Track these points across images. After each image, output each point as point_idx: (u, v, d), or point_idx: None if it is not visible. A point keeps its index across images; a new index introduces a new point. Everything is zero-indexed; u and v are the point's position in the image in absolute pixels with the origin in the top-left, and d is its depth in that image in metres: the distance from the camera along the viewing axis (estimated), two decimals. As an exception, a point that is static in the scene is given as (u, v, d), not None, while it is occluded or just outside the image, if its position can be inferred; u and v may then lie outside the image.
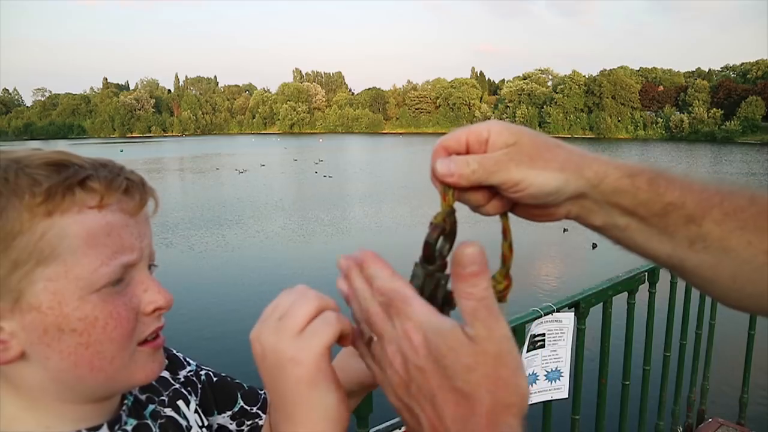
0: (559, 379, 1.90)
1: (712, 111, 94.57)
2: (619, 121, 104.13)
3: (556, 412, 2.02)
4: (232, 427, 0.84)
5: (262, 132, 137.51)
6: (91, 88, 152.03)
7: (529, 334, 1.85)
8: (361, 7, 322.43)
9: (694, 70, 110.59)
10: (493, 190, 0.55)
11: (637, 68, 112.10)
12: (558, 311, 1.89)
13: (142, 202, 0.60)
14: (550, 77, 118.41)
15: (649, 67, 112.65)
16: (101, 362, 0.56)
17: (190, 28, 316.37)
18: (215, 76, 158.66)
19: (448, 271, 0.49)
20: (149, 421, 0.68)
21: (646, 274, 2.36)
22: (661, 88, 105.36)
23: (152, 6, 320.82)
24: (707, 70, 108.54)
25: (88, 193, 0.55)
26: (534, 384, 1.90)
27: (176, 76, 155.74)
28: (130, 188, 0.59)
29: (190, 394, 0.79)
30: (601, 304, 2.16)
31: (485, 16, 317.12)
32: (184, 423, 0.74)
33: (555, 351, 1.87)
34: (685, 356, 2.86)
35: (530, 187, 0.53)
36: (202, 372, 0.84)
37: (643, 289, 2.36)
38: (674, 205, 0.54)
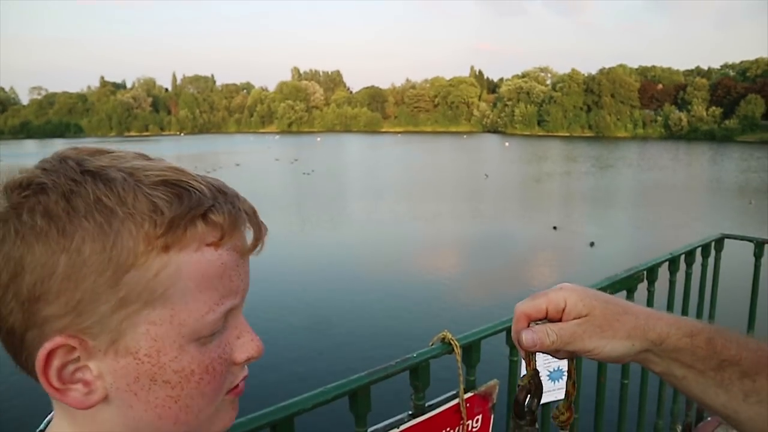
0: (561, 379, 1.88)
1: (711, 109, 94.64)
2: (618, 119, 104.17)
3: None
4: None
5: (260, 131, 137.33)
6: (88, 87, 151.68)
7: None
8: (359, 6, 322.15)
9: (693, 68, 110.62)
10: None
11: (636, 66, 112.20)
12: (557, 310, 1.88)
13: (257, 241, 0.53)
14: (549, 76, 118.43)
15: (648, 66, 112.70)
16: (187, 416, 0.51)
17: (188, 27, 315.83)
18: (213, 75, 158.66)
19: (537, 425, 0.60)
20: None
21: (645, 272, 2.35)
22: (660, 86, 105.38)
23: (150, 4, 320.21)
24: (706, 69, 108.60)
25: (210, 229, 0.48)
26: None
27: (174, 75, 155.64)
28: (250, 222, 0.53)
29: None
30: (601, 302, 2.15)
31: (483, 15, 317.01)
32: None
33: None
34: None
35: (601, 353, 0.62)
36: None
37: (642, 288, 2.35)
38: (729, 361, 0.61)
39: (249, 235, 0.52)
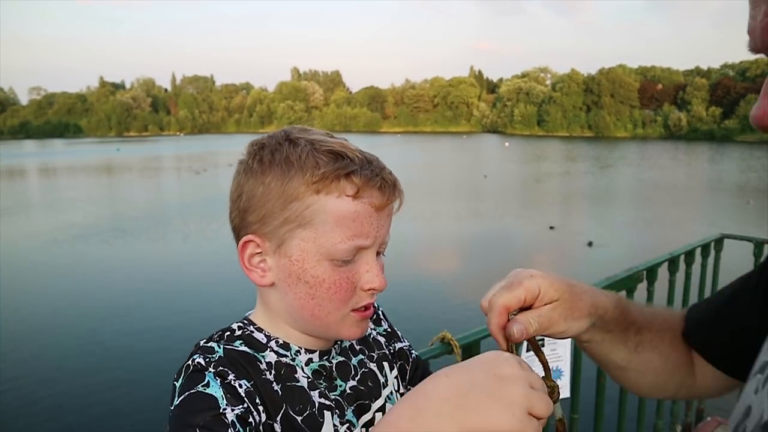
0: (560, 379, 1.88)
1: (710, 109, 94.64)
2: (617, 119, 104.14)
3: (555, 412, 2.01)
4: None
5: (260, 131, 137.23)
6: (88, 87, 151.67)
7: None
8: (359, 6, 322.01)
9: (692, 68, 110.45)
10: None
11: (636, 66, 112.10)
12: (557, 310, 1.88)
13: (389, 201, 0.74)
14: (548, 76, 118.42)
15: (648, 66, 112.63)
16: (320, 312, 0.73)
17: (187, 27, 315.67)
18: (212, 75, 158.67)
19: None
20: (352, 363, 0.83)
21: (645, 272, 2.35)
22: (659, 86, 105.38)
23: (149, 5, 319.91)
24: (706, 69, 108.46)
25: (349, 184, 0.70)
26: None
27: (173, 75, 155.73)
28: (383, 187, 0.73)
29: (397, 363, 0.92)
30: (600, 303, 2.15)
31: (482, 15, 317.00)
32: (382, 379, 0.85)
33: (555, 350, 1.86)
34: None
35: (569, 332, 0.72)
36: (413, 352, 0.96)
37: (642, 288, 2.36)
38: (631, 322, 0.79)
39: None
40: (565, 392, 1.96)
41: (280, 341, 0.76)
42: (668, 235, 18.25)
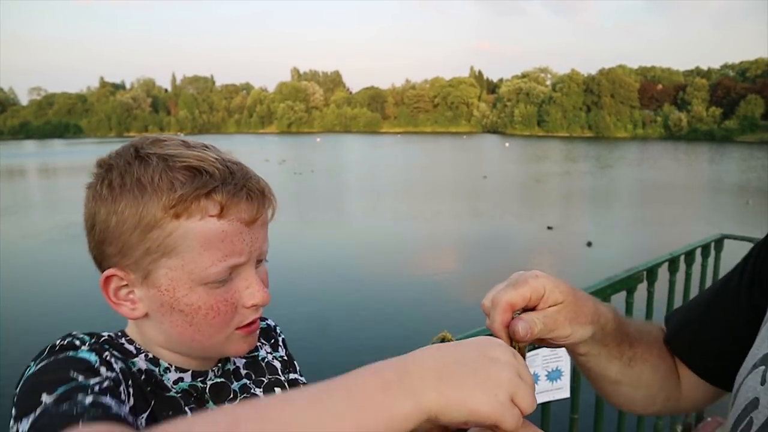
0: (560, 379, 1.88)
1: (711, 110, 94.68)
2: (617, 119, 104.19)
3: (554, 412, 2.01)
4: None
5: (260, 131, 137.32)
6: (88, 87, 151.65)
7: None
8: (359, 6, 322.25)
9: (693, 68, 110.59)
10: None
11: (636, 67, 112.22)
12: (557, 310, 1.87)
13: (258, 214, 0.70)
14: (548, 76, 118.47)
15: (648, 66, 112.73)
16: (201, 337, 0.70)
17: (187, 27, 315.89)
18: (212, 75, 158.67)
19: None
20: (233, 387, 0.79)
21: (645, 272, 2.35)
22: (659, 86, 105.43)
23: (149, 5, 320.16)
24: (706, 69, 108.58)
25: (211, 203, 0.66)
26: (536, 384, 1.87)
27: (173, 75, 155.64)
28: (251, 199, 0.69)
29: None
30: (600, 303, 2.15)
31: (481, 15, 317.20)
32: None
33: (555, 350, 1.85)
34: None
35: (571, 339, 0.69)
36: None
37: (642, 288, 2.35)
38: (625, 336, 0.78)
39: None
40: (564, 392, 1.95)
41: (150, 356, 0.72)
42: (668, 236, 18.25)
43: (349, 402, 0.46)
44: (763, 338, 0.67)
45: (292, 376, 0.89)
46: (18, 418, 0.54)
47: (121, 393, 0.61)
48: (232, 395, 0.78)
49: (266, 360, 0.86)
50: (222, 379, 0.78)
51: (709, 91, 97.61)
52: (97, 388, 0.57)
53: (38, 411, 0.53)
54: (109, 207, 0.66)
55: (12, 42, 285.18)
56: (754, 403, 0.60)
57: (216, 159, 0.69)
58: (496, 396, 0.49)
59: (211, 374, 0.77)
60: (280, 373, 0.87)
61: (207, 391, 0.75)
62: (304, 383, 0.90)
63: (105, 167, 0.69)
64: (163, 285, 0.67)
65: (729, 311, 0.76)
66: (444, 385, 0.48)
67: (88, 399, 0.55)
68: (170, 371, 0.73)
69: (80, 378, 0.57)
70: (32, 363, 0.61)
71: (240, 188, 0.68)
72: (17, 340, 10.72)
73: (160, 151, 0.68)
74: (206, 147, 0.71)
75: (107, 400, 0.57)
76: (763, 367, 0.62)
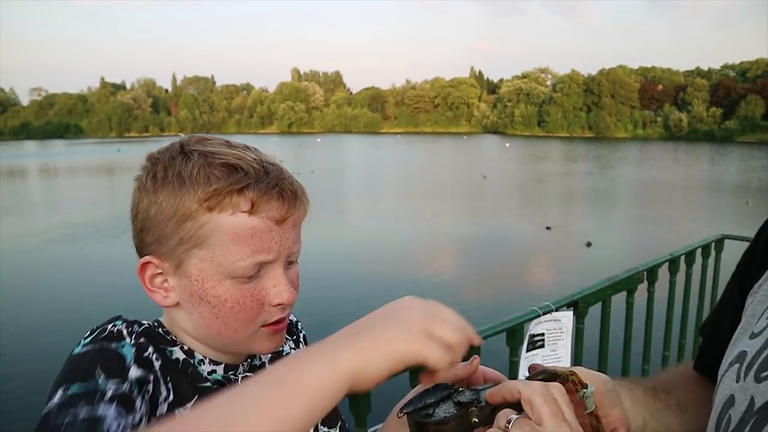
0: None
1: (711, 110, 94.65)
2: (618, 120, 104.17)
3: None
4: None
5: (260, 132, 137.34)
6: (88, 88, 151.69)
7: (528, 334, 1.83)
8: (359, 7, 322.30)
9: (693, 68, 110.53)
10: None
11: (636, 67, 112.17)
12: (557, 311, 1.88)
13: (289, 213, 0.70)
14: (549, 76, 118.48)
15: (648, 66, 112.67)
16: (227, 331, 0.71)
17: (187, 28, 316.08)
18: (213, 76, 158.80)
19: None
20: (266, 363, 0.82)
21: (645, 273, 2.35)
22: (660, 87, 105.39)
23: (149, 5, 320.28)
24: (706, 69, 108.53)
25: (243, 199, 0.67)
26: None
27: (173, 76, 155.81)
28: (282, 198, 0.70)
29: None
30: (600, 303, 2.15)
31: (481, 15, 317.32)
32: None
33: (555, 350, 1.86)
34: (684, 355, 2.85)
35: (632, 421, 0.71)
36: None
37: (642, 288, 2.35)
38: (654, 388, 0.78)
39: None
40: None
41: (185, 347, 0.74)
42: (668, 236, 18.24)
43: (264, 384, 0.49)
44: (740, 335, 0.68)
45: None
46: (53, 389, 0.59)
47: (135, 400, 0.61)
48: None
49: (290, 347, 0.89)
50: (250, 374, 0.79)
51: (710, 92, 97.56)
52: (108, 394, 0.58)
53: (48, 406, 0.57)
54: (151, 197, 0.69)
55: (13, 42, 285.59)
56: (731, 401, 0.61)
57: (254, 159, 0.70)
58: (410, 331, 0.52)
59: (241, 368, 0.78)
60: None
61: (239, 383, 0.76)
62: None
63: (152, 161, 0.72)
64: (194, 275, 0.69)
65: (732, 321, 0.76)
66: (356, 341, 0.51)
67: (84, 412, 0.56)
68: (204, 363, 0.74)
69: (101, 379, 0.59)
70: (81, 341, 0.65)
71: (272, 187, 0.69)
72: (16, 340, 10.72)
73: (202, 149, 0.70)
74: (247, 148, 0.73)
75: (108, 411, 0.57)
76: (738, 365, 0.63)
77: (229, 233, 0.67)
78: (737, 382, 0.62)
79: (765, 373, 0.58)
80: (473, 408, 0.58)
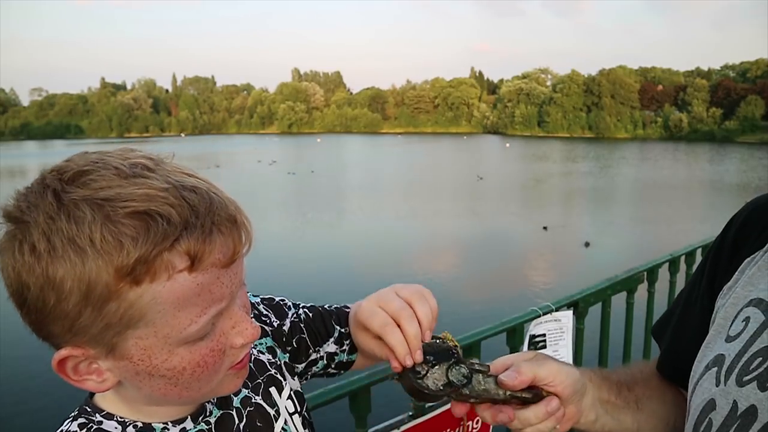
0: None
1: (711, 110, 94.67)
2: (618, 120, 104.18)
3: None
4: (337, 349, 0.90)
5: (261, 132, 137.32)
6: (89, 88, 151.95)
7: (528, 335, 1.83)
8: (359, 7, 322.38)
9: (693, 69, 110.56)
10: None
11: (636, 68, 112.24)
12: (557, 311, 1.88)
13: (236, 252, 0.56)
14: (549, 77, 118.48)
15: (648, 67, 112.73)
16: (189, 393, 0.60)
17: (188, 28, 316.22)
18: (213, 76, 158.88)
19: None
20: (234, 411, 0.72)
21: (645, 273, 2.34)
22: (660, 87, 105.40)
23: (150, 6, 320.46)
24: (706, 69, 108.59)
25: (178, 257, 0.52)
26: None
27: (174, 76, 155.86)
28: (224, 235, 0.55)
29: (286, 378, 0.81)
30: (600, 303, 2.15)
31: (481, 16, 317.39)
32: (272, 412, 0.76)
33: (557, 351, 1.85)
34: (684, 356, 2.84)
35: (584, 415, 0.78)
36: (301, 312, 0.88)
37: (642, 289, 2.34)
38: (619, 383, 0.82)
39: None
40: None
41: (139, 425, 0.63)
42: (668, 236, 18.23)
43: None
44: (713, 337, 0.67)
45: (280, 356, 0.83)
46: None
47: None
48: (236, 419, 0.71)
49: (252, 358, 0.78)
50: (220, 411, 0.70)
51: (710, 92, 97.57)
52: None
53: None
54: (41, 280, 0.51)
55: (13, 43, 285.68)
56: (712, 405, 0.61)
57: (166, 192, 0.53)
58: (379, 311, 0.72)
59: (209, 408, 0.69)
60: (269, 366, 0.80)
61: (213, 431, 0.68)
62: (296, 313, 0.87)
63: (18, 224, 0.52)
64: (135, 356, 0.55)
65: (700, 322, 0.75)
66: (369, 301, 0.77)
67: None
68: (168, 430, 0.64)
69: None
70: None
71: (209, 228, 0.53)
72: (15, 343, 10.72)
73: (89, 194, 0.51)
74: (147, 169, 0.54)
75: None
76: (715, 368, 0.63)
77: (170, 301, 0.53)
78: (717, 386, 0.61)
79: (747, 377, 0.58)
80: (460, 388, 0.67)
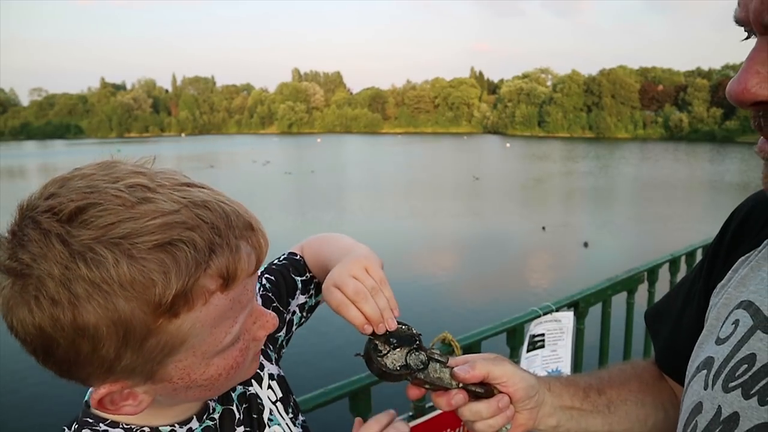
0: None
1: (711, 110, 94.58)
2: (618, 120, 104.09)
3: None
4: (305, 298, 0.93)
5: (261, 132, 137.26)
6: (89, 88, 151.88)
7: (528, 334, 1.83)
8: (359, 7, 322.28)
9: (693, 69, 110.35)
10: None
11: (637, 67, 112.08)
12: (557, 311, 1.87)
13: (261, 260, 0.58)
14: (549, 77, 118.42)
15: (649, 67, 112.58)
16: (220, 390, 0.63)
17: (188, 28, 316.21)
18: (213, 76, 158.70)
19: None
20: (234, 406, 0.73)
21: (646, 273, 2.34)
22: (660, 87, 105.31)
23: (150, 6, 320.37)
24: (707, 69, 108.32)
25: (210, 281, 0.52)
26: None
27: (174, 76, 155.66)
28: (248, 242, 0.56)
29: (264, 373, 0.80)
30: (601, 303, 2.14)
31: (481, 16, 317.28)
32: (259, 402, 0.78)
33: (555, 351, 1.85)
34: (684, 356, 2.83)
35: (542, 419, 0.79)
36: (264, 281, 0.87)
37: (643, 289, 2.34)
38: (588, 388, 0.82)
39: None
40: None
41: (146, 429, 0.62)
42: (667, 236, 18.22)
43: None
44: (706, 338, 0.68)
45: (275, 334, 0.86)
46: None
47: None
48: (237, 413, 0.72)
49: None
50: (222, 407, 0.71)
51: (710, 92, 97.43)
52: None
53: None
54: (70, 331, 0.48)
55: (13, 43, 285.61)
56: (699, 408, 0.61)
57: (179, 214, 0.51)
58: (336, 291, 0.74)
59: (212, 405, 0.70)
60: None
61: (217, 426, 0.69)
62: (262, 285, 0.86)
63: (25, 278, 0.49)
64: (175, 377, 0.56)
65: (697, 319, 0.75)
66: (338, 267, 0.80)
67: None
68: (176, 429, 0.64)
69: None
70: None
71: (234, 245, 0.54)
72: (15, 344, 10.70)
73: (100, 234, 0.48)
74: (147, 189, 0.52)
75: None
76: (705, 371, 0.63)
77: (207, 323, 0.54)
78: (705, 389, 0.62)
79: (733, 384, 0.58)
80: (416, 372, 0.72)
